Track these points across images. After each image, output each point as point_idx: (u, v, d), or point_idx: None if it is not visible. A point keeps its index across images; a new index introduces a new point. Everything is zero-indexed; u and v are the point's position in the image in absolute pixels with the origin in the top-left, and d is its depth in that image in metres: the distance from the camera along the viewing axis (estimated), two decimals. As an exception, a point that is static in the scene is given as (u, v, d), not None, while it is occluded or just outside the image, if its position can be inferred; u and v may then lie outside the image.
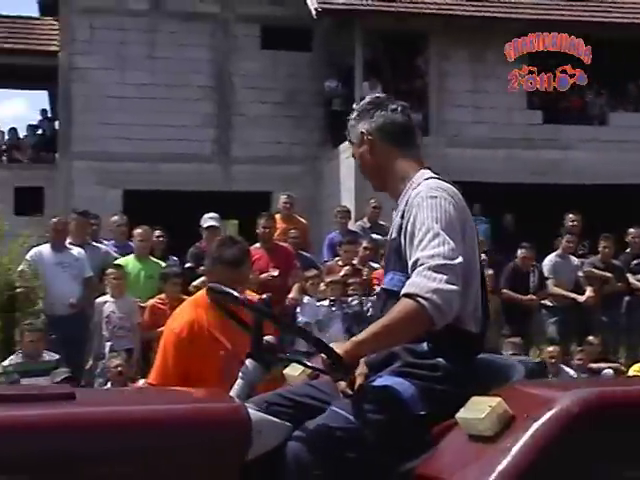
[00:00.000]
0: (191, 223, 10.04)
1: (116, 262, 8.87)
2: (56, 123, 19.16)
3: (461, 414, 2.54)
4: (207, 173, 17.44)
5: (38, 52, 18.81)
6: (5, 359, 7.84)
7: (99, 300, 8.39)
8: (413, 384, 2.74)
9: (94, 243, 9.51)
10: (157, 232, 9.76)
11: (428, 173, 2.94)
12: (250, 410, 2.60)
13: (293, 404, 2.82)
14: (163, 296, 8.23)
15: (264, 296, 2.93)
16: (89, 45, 17.61)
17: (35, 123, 20.28)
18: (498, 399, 2.47)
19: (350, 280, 9.59)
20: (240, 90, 17.88)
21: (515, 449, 2.35)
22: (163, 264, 9.09)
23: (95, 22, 17.69)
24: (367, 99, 3.11)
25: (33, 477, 2.33)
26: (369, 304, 9.50)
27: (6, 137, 19.74)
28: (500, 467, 2.33)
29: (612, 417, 2.41)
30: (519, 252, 10.67)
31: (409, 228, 2.79)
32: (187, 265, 9.36)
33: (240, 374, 2.78)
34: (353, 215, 12.86)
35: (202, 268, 8.97)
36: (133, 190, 17.05)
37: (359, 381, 2.81)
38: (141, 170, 17.17)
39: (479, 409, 2.48)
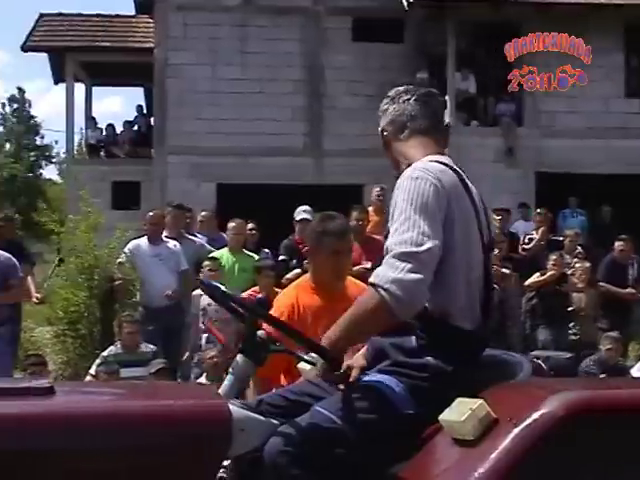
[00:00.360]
0: (283, 216, 10.09)
1: (211, 255, 8.97)
2: (151, 119, 19.49)
3: (444, 416, 2.43)
4: (299, 166, 17.50)
5: (134, 49, 19.17)
6: (105, 349, 8.03)
7: (196, 292, 8.48)
8: (401, 382, 2.63)
9: (189, 236, 9.64)
10: (250, 225, 9.85)
11: (434, 157, 2.82)
12: (233, 407, 2.52)
13: (289, 403, 2.76)
14: (257, 288, 8.28)
15: (259, 295, 2.89)
16: (183, 41, 17.83)
17: (131, 119, 20.66)
18: (480, 402, 2.37)
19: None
20: (332, 83, 17.86)
21: (494, 454, 2.25)
22: (256, 257, 9.17)
23: (188, 19, 17.91)
24: (388, 94, 3.06)
25: (6, 473, 2.28)
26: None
27: (104, 133, 20.19)
28: (478, 472, 2.24)
29: (598, 421, 2.30)
30: (617, 244, 10.44)
31: (391, 211, 2.71)
32: (280, 258, 9.42)
33: (230, 369, 2.73)
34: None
35: (294, 261, 9.04)
36: (226, 184, 17.24)
37: (354, 374, 2.76)
38: (234, 164, 17.33)
39: (461, 411, 2.38)
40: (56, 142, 37.92)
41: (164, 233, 9.18)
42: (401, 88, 3.03)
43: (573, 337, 9.96)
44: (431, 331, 2.66)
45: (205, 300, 8.36)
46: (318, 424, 2.55)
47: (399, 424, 2.58)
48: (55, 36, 19.69)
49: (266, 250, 9.75)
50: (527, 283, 10.23)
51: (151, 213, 9.37)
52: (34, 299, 8.94)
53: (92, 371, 7.59)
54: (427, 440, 2.50)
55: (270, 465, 2.49)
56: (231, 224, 9.27)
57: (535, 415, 2.26)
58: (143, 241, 9.07)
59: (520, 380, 2.69)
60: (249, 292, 8.34)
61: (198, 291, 8.49)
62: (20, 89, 37.25)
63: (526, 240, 11.65)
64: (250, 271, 8.72)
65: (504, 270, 10.22)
